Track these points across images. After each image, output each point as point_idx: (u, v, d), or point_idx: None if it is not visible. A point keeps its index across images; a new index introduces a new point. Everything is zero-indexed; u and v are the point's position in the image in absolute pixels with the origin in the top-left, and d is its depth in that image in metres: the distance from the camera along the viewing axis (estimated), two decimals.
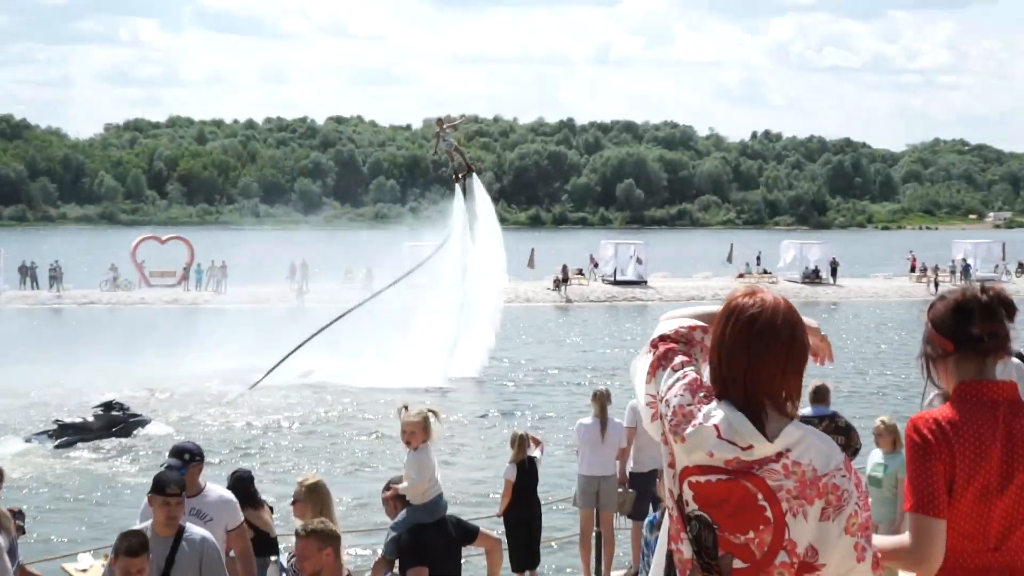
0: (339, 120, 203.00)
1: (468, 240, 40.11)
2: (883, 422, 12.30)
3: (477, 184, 40.46)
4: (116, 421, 31.25)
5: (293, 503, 9.38)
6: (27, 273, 70.29)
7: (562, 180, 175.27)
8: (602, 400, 14.06)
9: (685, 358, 3.70)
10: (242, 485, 10.55)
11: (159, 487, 7.91)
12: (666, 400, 3.61)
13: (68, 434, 30.32)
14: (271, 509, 11.38)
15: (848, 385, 37.28)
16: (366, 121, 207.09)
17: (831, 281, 75.53)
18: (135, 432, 30.96)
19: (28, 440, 30.00)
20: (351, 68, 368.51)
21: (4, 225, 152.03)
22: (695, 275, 78.49)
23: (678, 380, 3.62)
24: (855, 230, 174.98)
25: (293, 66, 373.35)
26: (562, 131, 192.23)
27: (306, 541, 7.36)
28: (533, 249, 77.66)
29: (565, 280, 70.87)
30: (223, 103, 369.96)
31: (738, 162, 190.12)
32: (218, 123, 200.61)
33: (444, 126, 40.13)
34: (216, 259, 71.34)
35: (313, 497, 8.99)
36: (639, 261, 74.31)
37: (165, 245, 75.30)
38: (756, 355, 3.54)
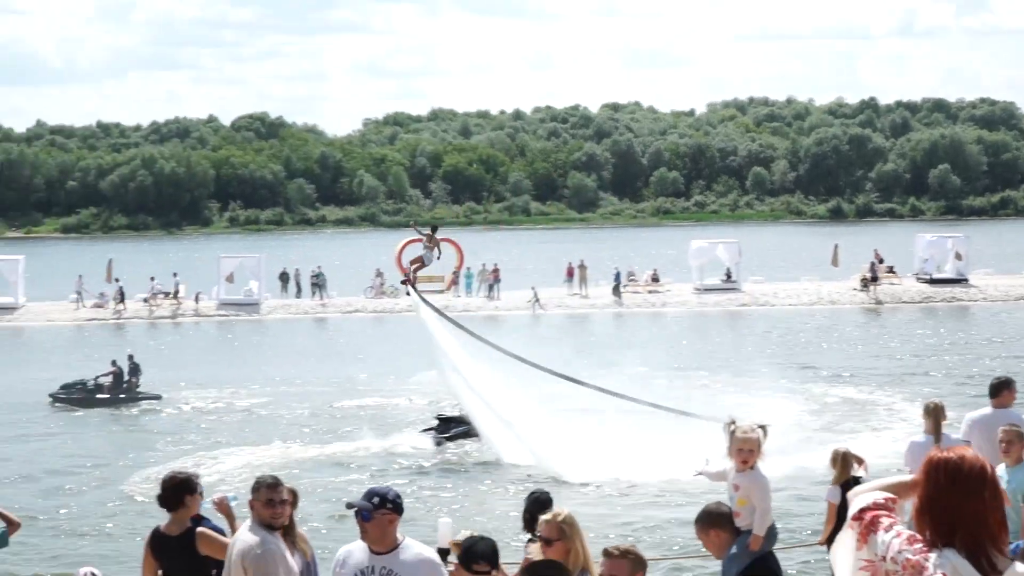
0: (614, 107, 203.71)
1: None
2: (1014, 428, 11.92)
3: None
4: None
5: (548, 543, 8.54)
6: (288, 280, 72.92)
7: (866, 167, 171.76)
8: (936, 414, 13.71)
9: (891, 520, 4.64)
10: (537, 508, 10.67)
11: (470, 557, 7.85)
12: (891, 558, 4.51)
13: (451, 427, 35.66)
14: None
15: None
16: (644, 107, 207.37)
17: None
18: None
19: (424, 431, 35.82)
20: (625, 50, 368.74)
21: (263, 229, 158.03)
22: None
23: (895, 538, 4.55)
24: None
25: (562, 50, 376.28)
26: (864, 112, 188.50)
27: (620, 562, 7.55)
28: (836, 245, 76.55)
29: (874, 279, 69.58)
30: (488, 93, 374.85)
31: None
32: (483, 114, 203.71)
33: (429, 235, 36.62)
34: (487, 262, 72.49)
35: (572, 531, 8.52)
36: (958, 257, 72.44)
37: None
38: (967, 501, 4.51)
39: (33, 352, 56.25)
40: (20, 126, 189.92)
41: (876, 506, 4.69)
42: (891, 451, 28.84)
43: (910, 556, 4.45)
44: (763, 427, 9.38)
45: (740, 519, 9.19)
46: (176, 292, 69.00)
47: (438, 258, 37.73)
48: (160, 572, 10.07)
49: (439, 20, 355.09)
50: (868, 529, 4.63)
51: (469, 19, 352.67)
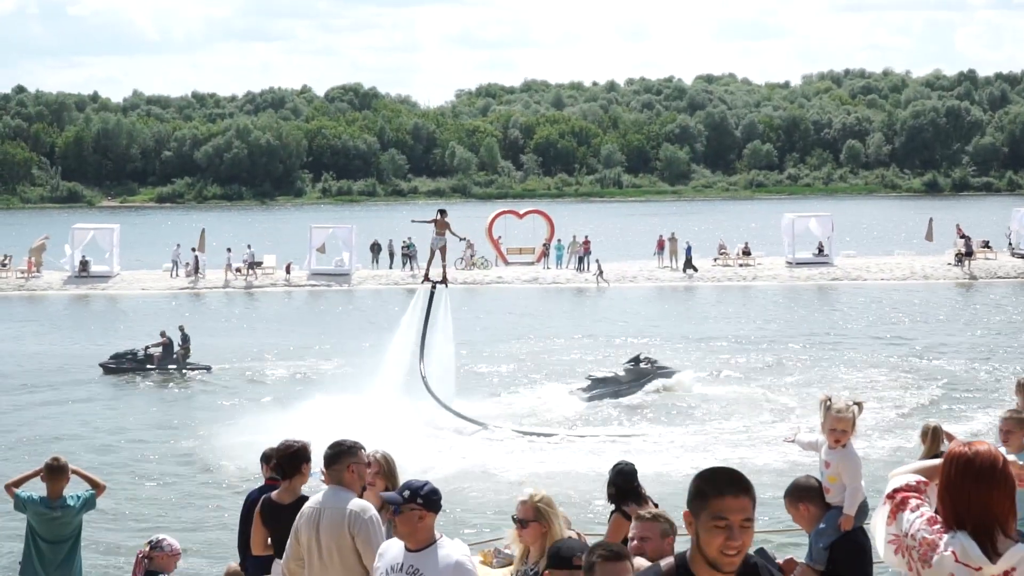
0: (708, 79, 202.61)
1: None
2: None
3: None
4: (643, 374, 36.79)
5: (523, 525, 8.41)
6: (379, 251, 73.19)
7: (963, 140, 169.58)
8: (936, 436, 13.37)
9: (919, 501, 5.27)
10: (623, 480, 10.60)
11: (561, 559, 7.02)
12: (911, 535, 5.15)
13: (600, 387, 36.26)
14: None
15: None
16: (738, 79, 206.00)
17: None
18: (659, 385, 36.74)
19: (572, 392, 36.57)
20: (719, 21, 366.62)
21: (355, 200, 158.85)
22: None
23: (918, 518, 5.17)
24: None
25: (655, 21, 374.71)
26: (962, 84, 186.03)
27: (651, 524, 7.99)
28: (931, 219, 75.64)
29: (969, 254, 68.67)
30: (580, 64, 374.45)
31: None
32: (576, 86, 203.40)
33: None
34: (578, 234, 72.37)
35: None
36: None
37: (523, 220, 77.05)
38: (977, 490, 5.06)
39: (125, 320, 56.89)
40: (117, 96, 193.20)
41: (908, 488, 5.37)
42: (984, 426, 28.53)
43: (927, 535, 5.09)
44: (858, 404, 9.19)
45: (831, 495, 9.06)
46: (252, 263, 69.27)
47: (457, 240, 37.75)
48: (269, 540, 10.14)
49: None
50: (898, 508, 5.31)
51: None
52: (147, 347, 43.77)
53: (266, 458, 11.81)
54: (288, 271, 69.29)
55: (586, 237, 71.52)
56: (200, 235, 72.22)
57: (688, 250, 69.61)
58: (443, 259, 34.97)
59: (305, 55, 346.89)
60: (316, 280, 68.05)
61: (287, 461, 10.17)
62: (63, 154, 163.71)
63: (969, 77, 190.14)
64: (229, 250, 69.75)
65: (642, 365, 37.19)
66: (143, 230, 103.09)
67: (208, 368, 43.30)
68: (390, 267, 72.25)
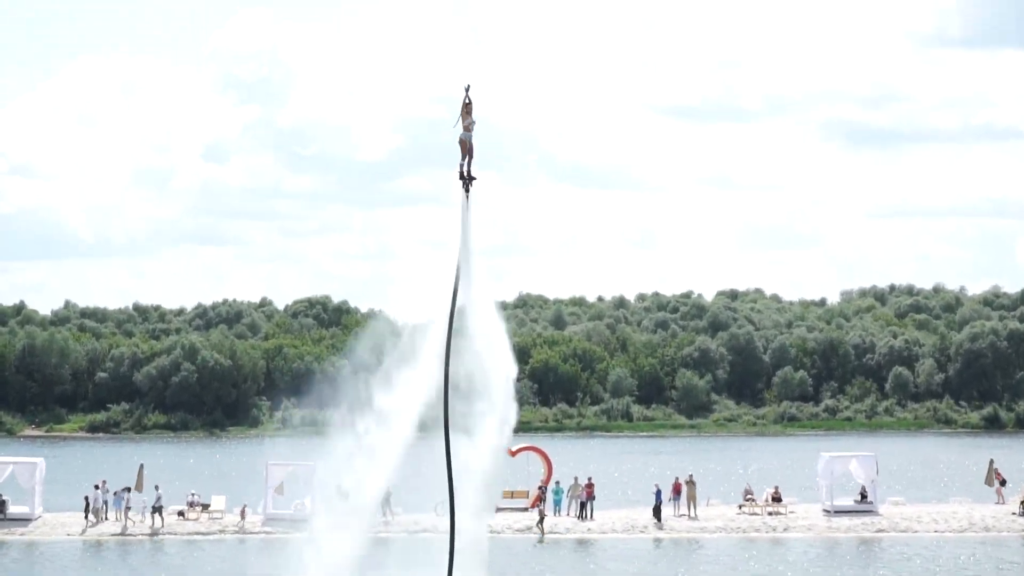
0: (732, 295, 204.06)
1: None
2: None
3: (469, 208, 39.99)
4: None
5: None
6: (348, 494, 72.68)
7: None
8: None
9: None
10: None
11: None
12: None
13: None
14: None
15: None
16: (766, 295, 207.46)
17: None
18: None
19: None
20: (742, 228, 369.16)
21: (320, 431, 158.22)
22: None
23: None
24: None
25: (669, 228, 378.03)
26: None
27: None
28: (992, 460, 75.65)
29: None
30: (584, 276, 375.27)
31: None
32: (579, 302, 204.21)
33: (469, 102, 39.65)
34: (580, 475, 72.21)
35: None
36: None
37: (515, 458, 76.82)
38: None
39: (45, 572, 56.33)
40: (45, 307, 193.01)
41: None
42: None
43: None
44: None
45: None
46: (197, 504, 68.83)
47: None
48: None
49: (526, 191, 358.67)
50: None
51: (560, 189, 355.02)
52: None
53: None
54: (243, 515, 68.89)
55: (589, 479, 71.33)
56: (138, 471, 71.90)
57: (658, 494, 69.42)
58: None
59: (264, 262, 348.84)
60: (272, 526, 67.58)
61: None
62: None
63: None
64: (157, 487, 69.06)
65: None
66: (71, 465, 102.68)
67: None
68: None
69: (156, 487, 68.99)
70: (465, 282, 38.52)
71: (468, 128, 38.47)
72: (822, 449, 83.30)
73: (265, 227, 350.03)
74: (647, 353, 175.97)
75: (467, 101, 38.47)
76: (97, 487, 69.87)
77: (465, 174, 39.06)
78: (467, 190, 39.00)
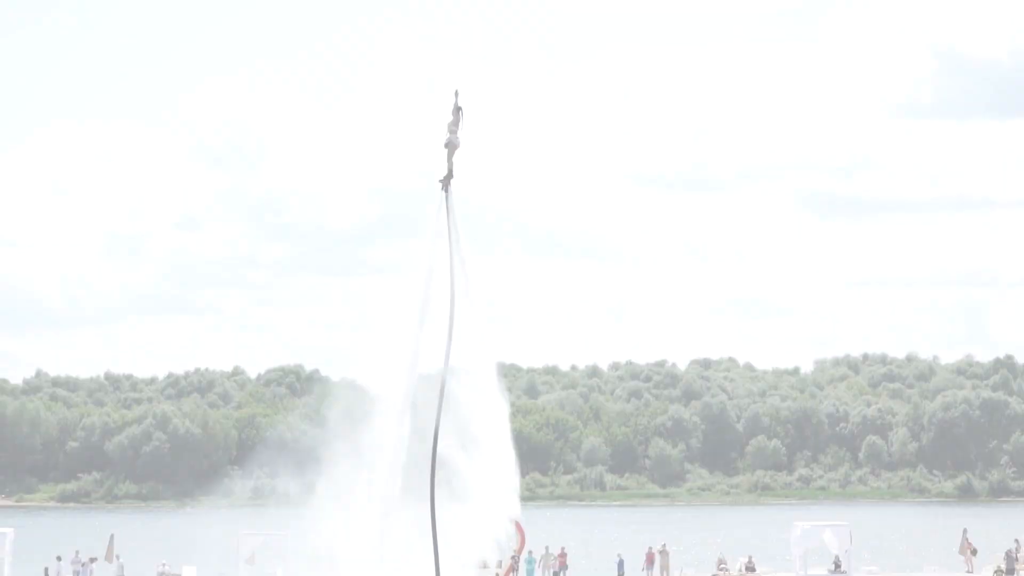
0: (705, 363, 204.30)
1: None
2: None
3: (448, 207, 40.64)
4: None
5: None
6: None
7: (1000, 437, 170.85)
8: None
9: None
10: None
11: None
12: None
13: None
14: None
15: None
16: (740, 364, 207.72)
17: None
18: None
19: None
20: (716, 297, 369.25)
21: (293, 503, 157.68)
22: None
23: None
24: None
25: (642, 297, 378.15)
26: (999, 372, 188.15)
27: None
28: (965, 530, 75.62)
29: (1011, 572, 68.65)
30: (556, 345, 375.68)
31: None
32: (551, 371, 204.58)
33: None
34: (552, 545, 72.00)
35: None
36: None
37: None
38: None
39: None
40: (16, 376, 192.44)
41: None
42: None
43: None
44: None
45: None
46: None
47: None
48: None
49: (495, 260, 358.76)
50: None
51: (533, 259, 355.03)
52: None
53: None
54: None
55: (562, 549, 71.10)
56: (108, 542, 71.47)
57: (620, 564, 69.31)
58: None
59: (236, 331, 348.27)
60: None
61: None
62: None
63: (1006, 364, 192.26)
64: (118, 556, 68.60)
65: None
66: (41, 535, 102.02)
67: None
68: None
69: (117, 556, 68.56)
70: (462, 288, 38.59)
71: (453, 131, 38.61)
72: (796, 518, 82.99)
73: (237, 295, 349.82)
74: (620, 422, 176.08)
75: (458, 106, 38.74)
76: (59, 558, 69.37)
77: (445, 174, 39.29)
78: (446, 190, 39.20)
